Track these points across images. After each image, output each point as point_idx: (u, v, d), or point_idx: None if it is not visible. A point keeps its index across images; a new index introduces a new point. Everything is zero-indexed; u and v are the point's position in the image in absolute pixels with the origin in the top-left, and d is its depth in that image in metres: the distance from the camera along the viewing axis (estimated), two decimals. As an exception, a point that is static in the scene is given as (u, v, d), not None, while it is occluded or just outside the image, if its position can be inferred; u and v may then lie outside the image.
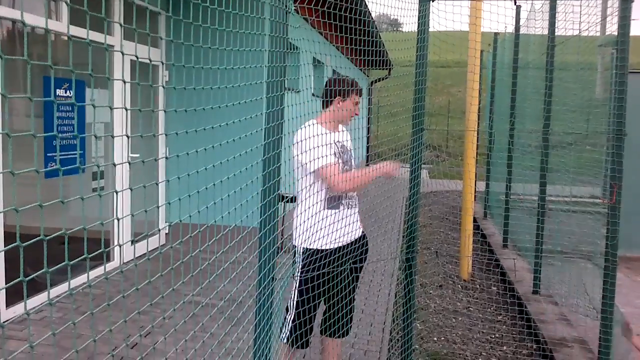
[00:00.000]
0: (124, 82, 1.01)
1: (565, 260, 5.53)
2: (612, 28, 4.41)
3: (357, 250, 3.39)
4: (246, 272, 2.34)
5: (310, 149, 3.09)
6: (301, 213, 3.17)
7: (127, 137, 1.10)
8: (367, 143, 14.27)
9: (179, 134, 6.51)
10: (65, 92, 5.18)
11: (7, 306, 4.64)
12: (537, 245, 5.46)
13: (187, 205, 1.93)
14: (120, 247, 6.16)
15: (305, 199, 3.16)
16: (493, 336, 4.96)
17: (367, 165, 3.46)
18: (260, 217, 2.29)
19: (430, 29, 3.53)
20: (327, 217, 3.19)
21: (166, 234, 7.13)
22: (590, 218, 5.68)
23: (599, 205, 6.04)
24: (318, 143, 3.10)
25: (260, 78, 6.55)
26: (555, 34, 5.66)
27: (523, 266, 6.42)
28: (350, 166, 3.36)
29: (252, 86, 2.97)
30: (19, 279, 0.88)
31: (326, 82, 3.40)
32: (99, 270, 5.69)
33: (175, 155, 1.65)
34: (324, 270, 3.18)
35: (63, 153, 5.23)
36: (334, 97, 3.35)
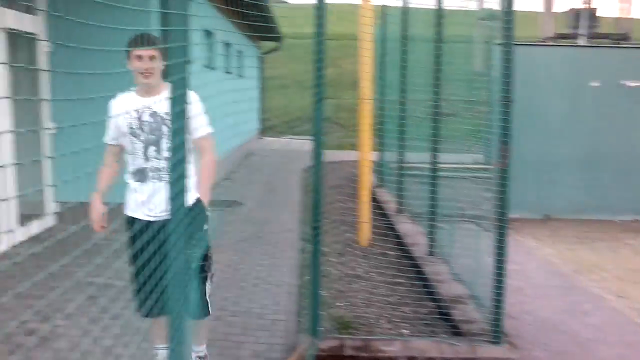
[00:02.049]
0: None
1: (454, 224, 5.85)
2: (491, 3, 4.68)
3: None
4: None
5: (108, 124, 3.13)
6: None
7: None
8: (261, 120, 14.23)
9: (67, 111, 6.15)
10: None
11: None
12: (430, 209, 5.73)
13: (76, 183, 1.86)
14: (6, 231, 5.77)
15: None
16: (394, 298, 5.18)
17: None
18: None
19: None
20: (134, 189, 3.14)
21: (56, 213, 6.76)
22: (475, 183, 6.04)
23: (484, 170, 6.44)
24: (114, 119, 3.09)
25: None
26: (442, 7, 5.90)
27: (418, 230, 6.72)
28: (158, 137, 3.10)
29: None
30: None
31: None
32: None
33: (60, 127, 1.57)
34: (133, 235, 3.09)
35: None
36: None
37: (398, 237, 6.83)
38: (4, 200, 4.98)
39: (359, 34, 6.44)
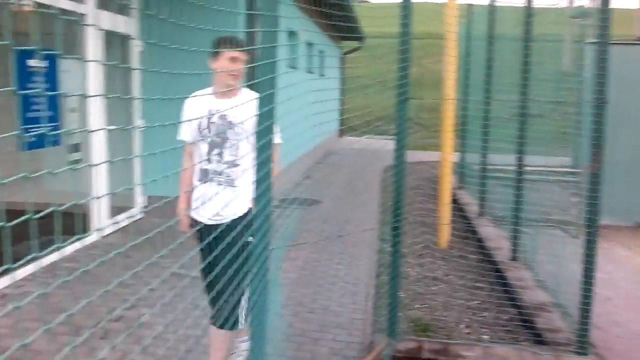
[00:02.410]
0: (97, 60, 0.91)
1: (538, 228, 5.65)
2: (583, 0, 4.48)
3: (228, 232, 2.80)
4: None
5: (180, 121, 3.10)
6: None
7: (94, 97, 1.07)
8: (341, 119, 14.28)
9: (155, 107, 6.39)
10: (38, 62, 5.03)
11: (-14, 282, 4.56)
12: (515, 213, 5.56)
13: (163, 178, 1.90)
14: (99, 221, 6.08)
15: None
16: (474, 302, 5.07)
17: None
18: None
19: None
20: (197, 190, 3.15)
21: (144, 206, 7.06)
22: (562, 187, 5.82)
23: (572, 174, 6.18)
24: (184, 115, 3.10)
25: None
26: (531, 5, 5.71)
27: (500, 234, 6.54)
28: (222, 141, 3.07)
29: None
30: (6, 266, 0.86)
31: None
32: (76, 245, 5.60)
33: (152, 125, 1.62)
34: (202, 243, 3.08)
35: (38, 125, 5.10)
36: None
37: (479, 240, 6.67)
38: (99, 197, 5.25)
39: (444, 33, 6.34)
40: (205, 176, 3.09)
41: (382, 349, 3.77)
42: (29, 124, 4.98)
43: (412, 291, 5.24)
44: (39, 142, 4.99)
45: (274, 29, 2.01)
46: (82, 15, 5.68)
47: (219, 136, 3.05)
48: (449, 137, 6.57)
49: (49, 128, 5.18)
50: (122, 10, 6.35)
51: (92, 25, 5.64)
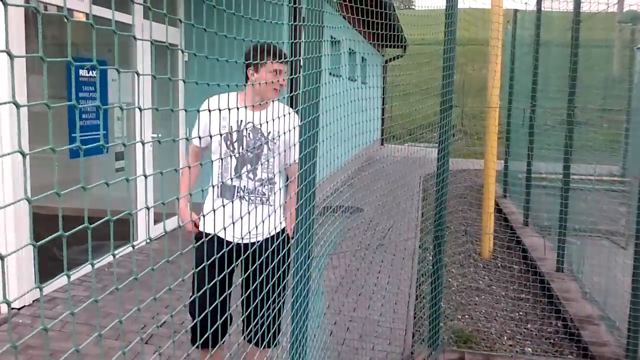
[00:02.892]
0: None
1: (585, 239, 5.52)
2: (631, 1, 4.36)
3: (263, 250, 2.70)
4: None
5: (198, 122, 2.72)
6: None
7: (139, 110, 1.10)
8: (382, 125, 14.23)
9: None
10: (88, 72, 5.18)
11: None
12: (561, 223, 5.44)
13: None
14: (144, 227, 6.21)
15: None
16: (517, 314, 4.97)
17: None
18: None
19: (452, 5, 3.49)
20: (218, 205, 2.66)
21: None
22: (610, 196, 5.65)
23: (621, 183, 6.01)
24: (207, 118, 2.77)
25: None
26: (579, 10, 5.59)
27: (545, 244, 6.40)
28: (256, 157, 2.83)
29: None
30: (63, 274, 0.88)
31: (246, 52, 2.84)
32: (122, 251, 5.73)
33: (197, 137, 1.65)
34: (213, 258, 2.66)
35: (86, 133, 5.25)
36: (247, 70, 2.84)
37: (523, 250, 6.54)
38: (149, 207, 5.35)
39: (487, 39, 6.26)
40: (233, 193, 2.81)
41: (424, 358, 3.73)
42: (80, 132, 5.12)
43: (454, 301, 5.17)
44: (90, 150, 5.12)
45: (319, 39, 2.02)
46: (129, 25, 5.83)
47: (251, 151, 2.81)
48: (493, 144, 6.47)
49: (98, 136, 5.32)
50: (169, 21, 6.48)
51: (135, 37, 5.78)
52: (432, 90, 4.24)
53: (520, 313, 5.00)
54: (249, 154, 2.81)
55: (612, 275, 4.60)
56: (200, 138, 2.86)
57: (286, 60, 2.76)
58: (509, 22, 8.92)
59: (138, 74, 1.04)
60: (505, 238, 6.93)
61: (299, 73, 2.08)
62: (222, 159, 2.80)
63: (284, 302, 2.80)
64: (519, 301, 5.24)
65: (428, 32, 4.06)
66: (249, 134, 2.80)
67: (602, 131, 6.27)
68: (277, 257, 2.63)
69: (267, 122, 2.41)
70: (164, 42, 1.08)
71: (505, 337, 4.51)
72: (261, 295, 2.43)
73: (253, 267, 2.25)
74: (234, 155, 2.81)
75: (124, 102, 6.02)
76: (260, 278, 2.29)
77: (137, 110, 5.89)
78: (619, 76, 7.39)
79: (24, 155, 0.75)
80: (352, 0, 3.31)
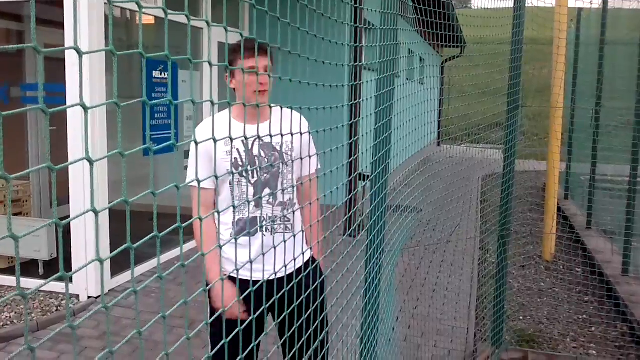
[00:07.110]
0: (210, 64, 0.95)
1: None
2: None
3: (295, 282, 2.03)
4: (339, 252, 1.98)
5: (192, 157, 2.27)
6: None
7: (212, 103, 1.15)
8: (439, 128, 14.15)
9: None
10: (161, 74, 5.42)
11: (112, 276, 4.96)
12: (627, 224, 5.35)
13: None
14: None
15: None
16: (580, 317, 4.92)
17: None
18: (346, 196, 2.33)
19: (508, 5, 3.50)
20: (239, 245, 2.30)
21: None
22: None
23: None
24: (208, 149, 2.24)
25: (341, 60, 6.63)
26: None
27: (609, 248, 6.29)
28: (274, 176, 2.35)
29: (333, 67, 2.83)
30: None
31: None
32: (190, 245, 5.96)
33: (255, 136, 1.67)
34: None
35: (158, 132, 5.49)
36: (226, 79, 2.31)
37: (586, 252, 6.44)
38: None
39: (549, 39, 6.19)
40: (253, 226, 2.32)
41: (486, 358, 3.77)
42: (153, 131, 5.37)
43: (515, 302, 5.16)
44: (163, 148, 5.37)
45: (393, 42, 2.10)
46: (198, 29, 6.06)
47: (267, 171, 2.32)
48: (556, 145, 6.40)
49: (169, 135, 5.56)
50: (234, 24, 6.69)
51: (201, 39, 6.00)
52: (495, 91, 4.25)
53: (584, 316, 4.94)
54: (265, 175, 2.33)
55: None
56: (217, 177, 1.98)
57: (259, 50, 2.15)
58: (572, 21, 8.76)
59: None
60: (570, 239, 6.84)
61: (360, 80, 2.08)
62: (232, 189, 2.30)
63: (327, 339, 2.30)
64: (583, 304, 5.18)
65: (488, 33, 4.08)
66: (260, 151, 2.31)
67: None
68: (312, 287, 2.04)
69: (280, 134, 1.71)
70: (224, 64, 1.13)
71: (569, 339, 4.48)
72: (307, 334, 1.84)
73: (291, 305, 1.68)
74: (250, 183, 2.32)
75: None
76: (305, 315, 1.77)
77: (203, 110, 6.13)
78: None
79: (123, 155, 0.82)
80: (415, 1, 3.30)
